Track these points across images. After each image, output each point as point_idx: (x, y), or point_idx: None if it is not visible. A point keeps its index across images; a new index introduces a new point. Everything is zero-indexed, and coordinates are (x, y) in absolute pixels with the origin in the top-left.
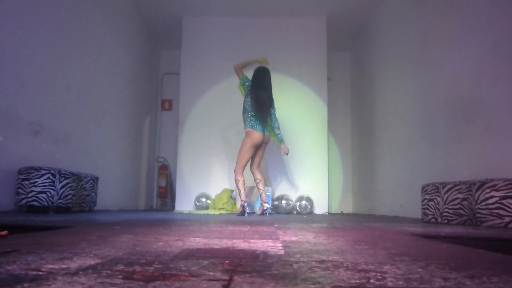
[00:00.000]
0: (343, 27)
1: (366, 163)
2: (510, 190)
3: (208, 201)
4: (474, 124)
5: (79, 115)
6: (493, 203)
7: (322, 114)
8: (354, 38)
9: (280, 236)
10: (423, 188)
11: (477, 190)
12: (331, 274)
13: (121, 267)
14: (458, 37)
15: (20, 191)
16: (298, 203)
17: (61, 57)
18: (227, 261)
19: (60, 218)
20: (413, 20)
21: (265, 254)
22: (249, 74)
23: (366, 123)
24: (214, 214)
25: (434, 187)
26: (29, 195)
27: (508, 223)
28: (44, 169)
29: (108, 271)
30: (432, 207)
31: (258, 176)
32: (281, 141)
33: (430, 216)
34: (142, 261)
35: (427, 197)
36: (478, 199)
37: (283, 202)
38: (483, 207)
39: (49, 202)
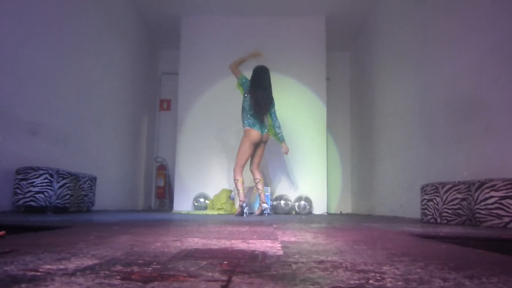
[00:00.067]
0: (342, 27)
1: (365, 163)
2: (509, 190)
3: (206, 201)
4: (474, 124)
5: (78, 115)
6: (492, 203)
7: (321, 114)
8: (354, 38)
9: (279, 237)
10: (422, 188)
11: (476, 190)
12: (330, 275)
13: (119, 267)
14: (458, 37)
15: (18, 191)
16: (297, 203)
17: (60, 57)
18: (225, 262)
19: (58, 218)
20: (413, 20)
21: (264, 255)
22: (247, 71)
23: (365, 123)
24: (212, 214)
25: (433, 187)
26: (27, 195)
27: (507, 223)
28: (42, 169)
29: (106, 272)
30: (431, 207)
31: (258, 176)
32: (282, 140)
33: (429, 216)
34: (140, 261)
35: (426, 197)
36: (477, 199)
37: (282, 202)
38: (482, 207)
39: (47, 202)
